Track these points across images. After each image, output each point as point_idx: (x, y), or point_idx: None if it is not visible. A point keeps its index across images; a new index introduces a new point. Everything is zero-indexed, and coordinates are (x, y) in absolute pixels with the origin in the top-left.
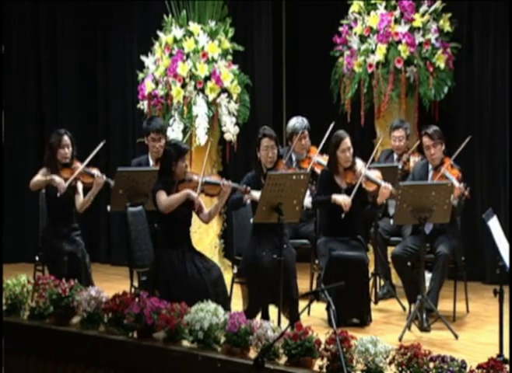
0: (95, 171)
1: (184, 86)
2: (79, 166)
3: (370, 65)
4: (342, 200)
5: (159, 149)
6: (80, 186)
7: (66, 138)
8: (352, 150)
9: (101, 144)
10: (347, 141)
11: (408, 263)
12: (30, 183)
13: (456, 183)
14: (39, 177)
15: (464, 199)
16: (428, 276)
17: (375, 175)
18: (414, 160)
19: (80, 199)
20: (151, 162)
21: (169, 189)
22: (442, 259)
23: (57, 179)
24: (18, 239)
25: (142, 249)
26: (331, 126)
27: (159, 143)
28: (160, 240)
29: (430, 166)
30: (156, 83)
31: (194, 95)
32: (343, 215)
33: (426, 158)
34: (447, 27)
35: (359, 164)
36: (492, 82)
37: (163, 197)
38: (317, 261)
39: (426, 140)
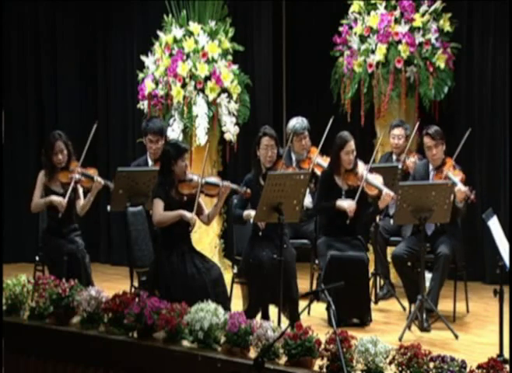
0: (94, 174)
1: (184, 86)
2: (77, 168)
3: (370, 65)
4: (347, 205)
5: (157, 151)
6: (80, 190)
7: (59, 144)
8: (355, 153)
9: (90, 137)
10: (351, 144)
11: (408, 263)
12: (31, 206)
13: (462, 187)
14: (36, 200)
15: (470, 202)
16: (428, 276)
17: (377, 180)
18: (412, 160)
19: (81, 203)
20: (150, 163)
21: (168, 195)
22: (442, 259)
23: (55, 199)
24: (18, 239)
25: (141, 249)
26: (331, 121)
27: (157, 145)
28: (160, 240)
29: (431, 166)
30: (156, 83)
31: (194, 95)
32: (348, 221)
33: (425, 158)
34: (447, 27)
35: (361, 167)
36: (492, 82)
37: (158, 210)
38: (317, 261)
39: (427, 140)
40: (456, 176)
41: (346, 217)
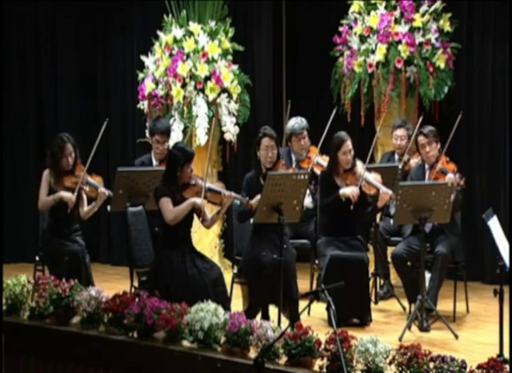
0: (99, 183)
1: (184, 86)
2: (82, 173)
3: (370, 65)
4: (350, 192)
5: (163, 151)
6: (84, 196)
7: (69, 147)
8: (352, 152)
9: (96, 144)
10: (348, 144)
11: (408, 263)
12: (39, 203)
13: (451, 176)
14: (44, 197)
15: (460, 190)
16: (428, 276)
17: (375, 178)
18: (414, 161)
19: (85, 209)
20: (154, 162)
21: (174, 195)
22: (440, 258)
23: (64, 195)
24: (18, 239)
25: (141, 249)
26: (332, 115)
27: (163, 146)
28: (161, 240)
29: (426, 166)
30: (156, 83)
31: (194, 95)
32: (352, 207)
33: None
34: (447, 27)
35: (360, 166)
36: (492, 82)
37: (168, 207)
38: (317, 261)
39: (421, 139)
40: (448, 168)
41: (349, 207)
